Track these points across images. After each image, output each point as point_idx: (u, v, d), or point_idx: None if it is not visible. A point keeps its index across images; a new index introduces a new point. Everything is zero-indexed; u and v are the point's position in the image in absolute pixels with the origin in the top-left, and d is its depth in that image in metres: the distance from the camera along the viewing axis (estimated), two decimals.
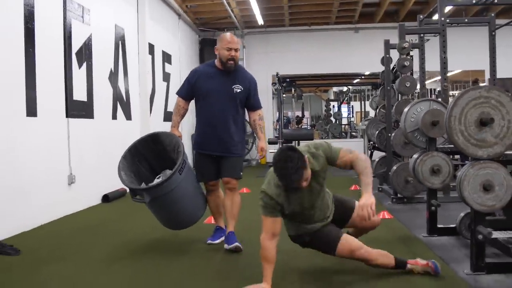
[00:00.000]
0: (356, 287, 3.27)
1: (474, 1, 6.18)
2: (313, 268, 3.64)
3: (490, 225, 3.38)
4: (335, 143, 3.44)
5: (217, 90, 4.35)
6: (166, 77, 10.58)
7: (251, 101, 4.50)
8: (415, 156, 4.45)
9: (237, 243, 4.22)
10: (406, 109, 4.55)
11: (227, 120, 4.38)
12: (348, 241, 3.36)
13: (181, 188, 4.15)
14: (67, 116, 6.10)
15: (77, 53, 6.41)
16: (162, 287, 3.39)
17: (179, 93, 4.57)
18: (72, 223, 5.62)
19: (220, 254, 4.20)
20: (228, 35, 4.37)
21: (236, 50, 4.30)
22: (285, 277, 3.45)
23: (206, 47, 13.92)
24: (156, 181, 4.27)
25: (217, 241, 4.49)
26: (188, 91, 4.50)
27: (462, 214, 4.12)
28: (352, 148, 3.38)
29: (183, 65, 11.98)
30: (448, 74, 15.19)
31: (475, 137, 3.16)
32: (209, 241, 4.50)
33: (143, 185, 4.22)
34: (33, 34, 5.37)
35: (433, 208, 4.47)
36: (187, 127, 10.99)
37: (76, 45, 6.38)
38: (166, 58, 10.62)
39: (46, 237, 4.91)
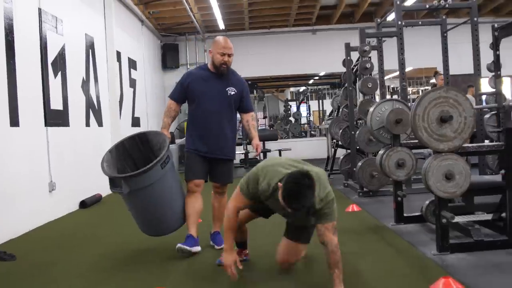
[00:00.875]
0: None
1: (427, 6, 6.64)
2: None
3: (452, 211, 3.82)
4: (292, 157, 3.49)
5: (211, 93, 4.37)
6: (133, 83, 10.78)
7: (244, 104, 4.52)
8: (381, 151, 4.87)
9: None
10: (371, 109, 4.98)
11: (222, 122, 4.40)
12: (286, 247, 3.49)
13: (162, 183, 4.07)
14: (45, 125, 6.28)
15: (53, 63, 6.60)
16: None
17: (172, 95, 4.56)
18: (56, 229, 5.80)
19: (203, 258, 4.14)
20: (222, 39, 4.37)
21: (229, 55, 4.30)
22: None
23: (168, 52, 14.20)
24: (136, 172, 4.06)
25: (189, 248, 4.16)
26: (181, 94, 4.51)
27: (427, 202, 4.57)
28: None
29: (147, 70, 12.21)
30: (410, 69, 15.89)
31: (437, 132, 3.58)
32: (179, 245, 4.17)
33: (122, 175, 4.06)
34: (13, 47, 5.55)
35: (399, 198, 4.90)
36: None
37: (51, 55, 6.57)
38: (132, 64, 10.82)
39: (35, 243, 5.09)
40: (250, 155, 12.49)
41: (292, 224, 3.51)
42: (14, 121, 5.51)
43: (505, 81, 11.08)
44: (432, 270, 3.40)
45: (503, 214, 3.86)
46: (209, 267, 3.89)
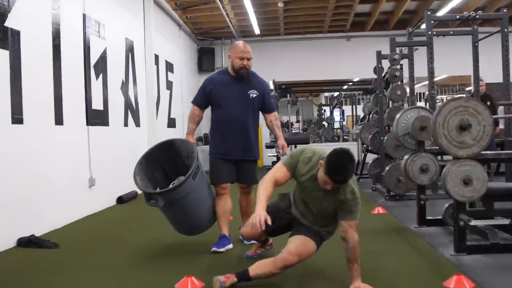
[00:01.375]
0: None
1: (457, 17, 6.78)
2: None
3: (472, 215, 4.00)
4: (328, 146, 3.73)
5: (234, 97, 4.48)
6: (169, 85, 11.16)
7: (266, 104, 4.65)
8: (406, 157, 5.05)
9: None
10: (397, 116, 5.16)
11: (246, 125, 4.51)
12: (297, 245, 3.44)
13: (195, 193, 4.24)
14: (87, 124, 6.65)
15: (95, 66, 6.96)
16: None
17: (195, 101, 4.69)
18: (95, 222, 6.18)
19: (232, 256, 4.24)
20: (241, 44, 4.50)
21: (248, 59, 4.42)
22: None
23: (204, 56, 14.55)
24: (170, 186, 4.30)
25: (222, 249, 4.36)
26: (203, 100, 4.63)
27: (446, 205, 4.74)
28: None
29: (184, 73, 12.57)
30: (436, 79, 15.92)
31: (456, 140, 3.76)
32: (214, 249, 4.36)
33: (158, 190, 4.28)
34: (59, 50, 5.91)
35: (422, 202, 5.08)
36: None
37: (94, 58, 6.94)
38: (169, 67, 11.19)
39: (76, 235, 5.44)
40: (268, 163, 12.75)
41: (304, 226, 3.52)
42: (59, 120, 5.87)
43: None
44: (448, 269, 3.57)
45: None
46: (237, 260, 4.11)
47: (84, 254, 4.54)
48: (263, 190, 3.33)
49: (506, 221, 4.23)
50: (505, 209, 4.36)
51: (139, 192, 8.08)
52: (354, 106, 20.65)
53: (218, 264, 4.00)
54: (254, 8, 11.43)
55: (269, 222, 3.14)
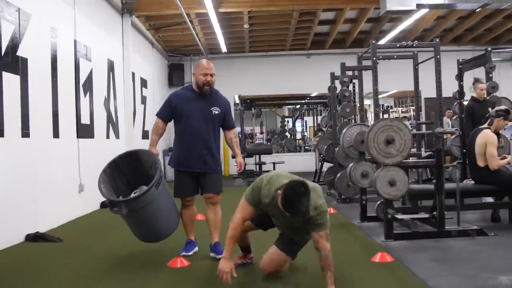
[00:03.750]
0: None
1: (398, 45, 7.94)
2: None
3: (401, 211, 5.12)
4: (285, 173, 3.75)
5: (197, 112, 4.65)
6: (143, 100, 12.11)
7: (227, 121, 4.84)
8: (350, 165, 6.16)
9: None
10: (343, 131, 6.29)
11: (208, 139, 4.68)
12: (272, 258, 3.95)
13: (157, 202, 4.41)
14: (77, 137, 7.57)
15: (83, 85, 7.90)
16: None
17: (159, 114, 4.83)
18: (85, 222, 7.09)
19: (199, 263, 4.55)
20: (204, 61, 4.71)
21: (211, 75, 4.61)
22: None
23: (174, 71, 15.54)
24: (134, 195, 4.45)
25: (190, 253, 4.74)
26: (168, 113, 4.79)
27: (378, 202, 5.86)
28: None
29: (156, 88, 13.54)
30: (390, 93, 17.21)
31: (384, 151, 4.88)
32: (183, 253, 4.70)
33: (121, 198, 4.44)
34: (56, 72, 6.83)
35: (363, 202, 6.18)
36: (161, 144, 12.52)
37: (82, 78, 7.87)
38: (143, 83, 12.15)
39: (72, 232, 6.35)
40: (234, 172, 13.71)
41: (284, 237, 3.93)
42: (56, 133, 6.78)
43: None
44: (377, 250, 4.63)
45: (435, 213, 5.14)
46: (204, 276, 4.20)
47: (82, 247, 5.46)
48: (231, 236, 3.64)
49: (426, 215, 5.37)
50: (427, 206, 5.50)
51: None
52: (315, 117, 21.76)
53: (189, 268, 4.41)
54: (222, 29, 12.47)
55: (234, 275, 3.53)
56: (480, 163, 5.65)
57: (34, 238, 5.75)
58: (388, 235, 5.07)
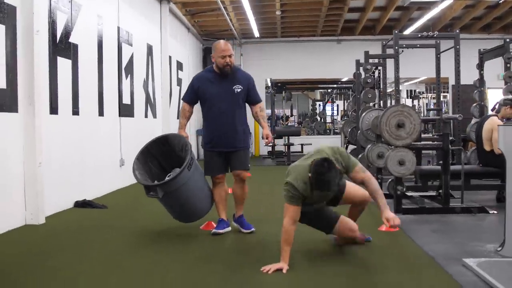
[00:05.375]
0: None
1: (419, 35, 8.38)
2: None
3: (412, 189, 5.66)
4: (325, 142, 4.32)
5: (219, 93, 4.74)
6: (179, 82, 12.80)
7: (251, 97, 4.90)
8: (368, 146, 6.70)
9: (253, 228, 4.90)
10: (363, 115, 6.81)
11: (233, 118, 4.78)
12: (346, 221, 4.19)
13: (190, 183, 4.58)
14: (119, 115, 8.28)
15: (125, 68, 8.59)
16: (175, 272, 3.81)
17: (184, 98, 5.01)
18: (127, 193, 7.83)
19: (228, 240, 4.73)
20: (222, 43, 4.76)
21: (230, 56, 4.68)
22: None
23: (208, 55, 16.12)
24: (167, 178, 4.63)
25: (221, 231, 4.84)
26: (192, 97, 4.91)
27: (389, 180, 6.40)
28: (331, 144, 4.18)
29: (191, 71, 14.19)
30: (422, 78, 17.53)
31: (395, 134, 5.41)
32: (214, 231, 4.85)
33: (156, 182, 4.62)
34: (102, 57, 7.52)
35: (379, 180, 6.72)
36: (192, 125, 13.23)
37: (124, 62, 8.56)
38: (179, 66, 12.83)
39: (115, 200, 7.08)
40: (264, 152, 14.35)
41: (323, 211, 4.16)
42: (101, 112, 7.50)
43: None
44: None
45: (441, 191, 5.67)
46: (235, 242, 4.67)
47: (126, 211, 6.21)
48: (285, 241, 3.68)
49: (433, 193, 5.90)
50: (435, 185, 6.03)
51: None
52: (346, 101, 22.19)
53: (218, 245, 4.58)
54: (255, 15, 13.02)
55: (284, 271, 3.57)
56: (487, 147, 6.14)
57: (82, 204, 6.49)
58: (397, 209, 5.62)
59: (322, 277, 3.57)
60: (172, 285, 3.50)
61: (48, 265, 3.97)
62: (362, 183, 3.87)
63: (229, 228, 4.95)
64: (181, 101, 5.10)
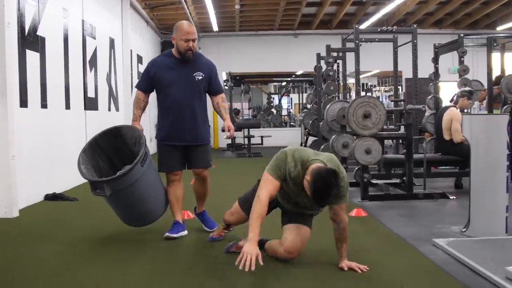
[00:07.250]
0: None
1: (379, 30, 8.69)
2: None
3: (376, 176, 5.92)
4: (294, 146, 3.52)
5: (179, 80, 4.27)
6: (139, 75, 12.74)
7: (213, 86, 4.44)
8: (333, 137, 6.95)
9: (217, 227, 4.37)
10: (327, 107, 7.06)
11: (192, 108, 4.31)
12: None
13: (143, 181, 4.06)
14: (85, 109, 8.27)
15: (90, 61, 8.57)
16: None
17: (138, 86, 4.45)
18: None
19: (184, 247, 4.19)
20: (185, 24, 4.28)
21: (193, 40, 4.21)
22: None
23: (166, 48, 16.02)
24: (118, 173, 4.14)
25: (176, 235, 4.31)
26: (147, 84, 4.39)
27: (356, 168, 6.67)
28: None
29: None
30: (373, 72, 17.88)
31: (361, 124, 5.67)
32: (167, 234, 4.30)
33: (104, 178, 4.07)
34: (67, 50, 7.50)
35: (346, 169, 6.98)
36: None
37: (89, 55, 8.54)
38: (139, 59, 12.82)
39: (84, 192, 7.05)
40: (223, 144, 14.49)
41: (292, 213, 3.65)
42: (68, 105, 7.48)
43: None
44: (354, 207, 5.46)
45: (404, 178, 5.98)
46: (194, 245, 4.23)
47: (94, 205, 6.16)
48: (258, 215, 3.26)
49: (397, 181, 6.20)
50: (398, 173, 6.33)
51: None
52: (301, 94, 22.56)
53: (173, 251, 4.08)
54: (214, 9, 13.12)
55: (260, 262, 3.07)
56: (446, 136, 6.49)
57: (53, 197, 6.49)
58: (364, 196, 5.89)
59: (303, 266, 3.53)
60: None
61: (28, 259, 3.94)
62: (335, 221, 3.43)
63: (185, 232, 4.44)
64: (135, 89, 4.58)
